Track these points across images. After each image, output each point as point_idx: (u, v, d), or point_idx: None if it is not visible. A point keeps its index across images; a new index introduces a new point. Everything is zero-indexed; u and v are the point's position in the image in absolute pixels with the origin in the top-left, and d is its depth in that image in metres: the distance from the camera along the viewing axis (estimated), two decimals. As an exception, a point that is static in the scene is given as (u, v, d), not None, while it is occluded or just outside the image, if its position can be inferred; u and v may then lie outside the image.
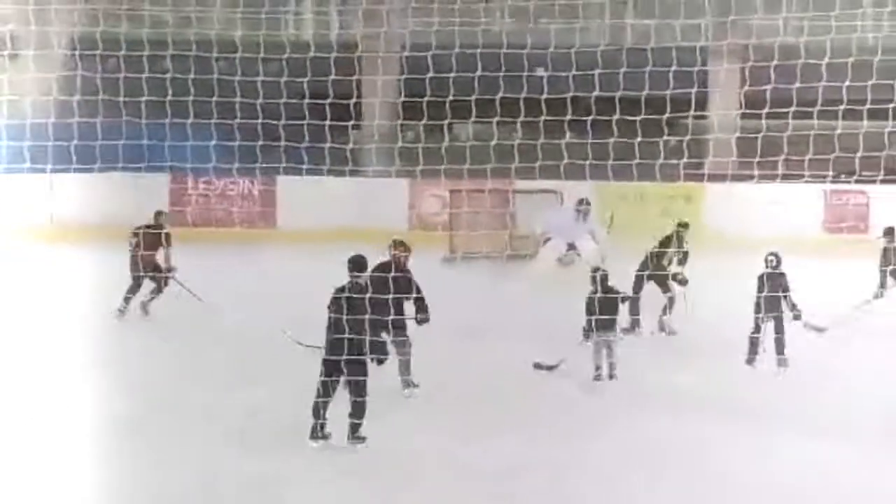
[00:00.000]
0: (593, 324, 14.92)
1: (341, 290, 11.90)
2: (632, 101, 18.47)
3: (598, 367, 15.07)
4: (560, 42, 20.66)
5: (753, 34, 19.31)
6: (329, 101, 19.17)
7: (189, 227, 25.16)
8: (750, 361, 15.77)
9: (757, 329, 15.68)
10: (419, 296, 13.79)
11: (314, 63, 19.80)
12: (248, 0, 23.23)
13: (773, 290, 15.50)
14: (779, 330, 15.63)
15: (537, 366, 15.37)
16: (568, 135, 19.52)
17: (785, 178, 20.01)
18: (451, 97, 18.46)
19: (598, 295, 15.09)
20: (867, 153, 18.57)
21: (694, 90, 19.09)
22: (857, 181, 21.64)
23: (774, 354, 15.69)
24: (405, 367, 14.00)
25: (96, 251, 22.55)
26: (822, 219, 27.85)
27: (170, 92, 19.14)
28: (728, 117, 24.76)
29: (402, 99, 22.89)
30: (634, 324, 17.51)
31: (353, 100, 20.46)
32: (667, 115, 18.65)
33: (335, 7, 29.34)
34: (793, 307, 14.75)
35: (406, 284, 13.51)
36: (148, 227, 19.18)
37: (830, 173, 21.08)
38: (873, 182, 19.90)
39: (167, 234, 19.19)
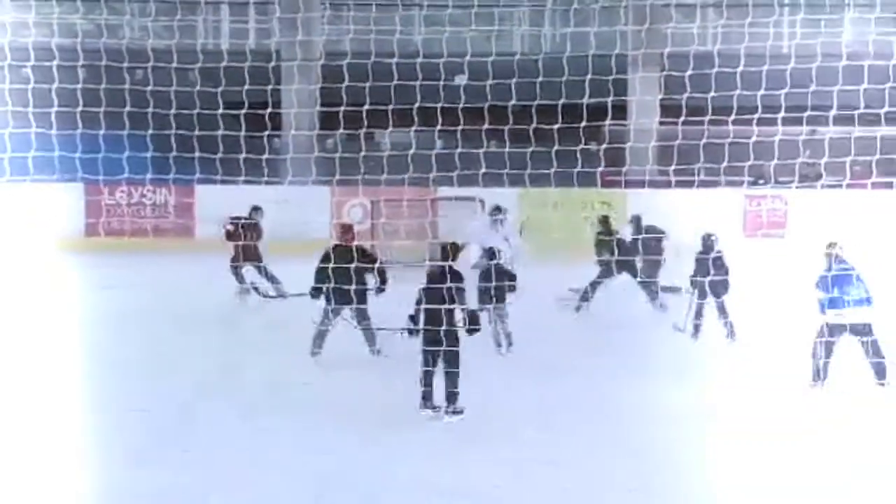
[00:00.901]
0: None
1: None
2: (549, 110, 18.44)
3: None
4: (477, 50, 20.58)
5: (669, 42, 19.34)
6: (245, 111, 18.97)
7: (103, 237, 24.89)
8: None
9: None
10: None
11: (230, 72, 19.56)
12: (162, 8, 22.91)
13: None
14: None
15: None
16: (487, 143, 19.48)
17: (702, 184, 20.08)
18: (367, 106, 18.35)
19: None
20: (783, 160, 18.70)
21: (611, 98, 19.09)
22: (773, 186, 21.80)
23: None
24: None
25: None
26: (741, 224, 27.99)
27: (81, 102, 18.84)
28: (646, 124, 24.82)
29: (319, 108, 22.74)
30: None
31: (270, 109, 20.25)
32: (583, 123, 18.63)
33: (251, 16, 29.06)
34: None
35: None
36: (246, 219, 20.58)
37: (747, 179, 21.21)
38: (789, 187, 20.02)
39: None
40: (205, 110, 19.17)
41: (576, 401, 14.45)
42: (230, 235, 21.13)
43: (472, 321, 13.63)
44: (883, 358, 14.74)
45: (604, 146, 20.01)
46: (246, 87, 19.05)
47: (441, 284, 13.55)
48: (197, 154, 18.81)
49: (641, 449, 12.64)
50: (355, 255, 16.44)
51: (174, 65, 19.45)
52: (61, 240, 25.72)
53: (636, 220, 20.61)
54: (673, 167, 18.32)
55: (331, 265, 16.10)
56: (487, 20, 22.15)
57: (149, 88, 19.12)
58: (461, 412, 13.55)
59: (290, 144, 22.28)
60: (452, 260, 14.03)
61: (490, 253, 17.44)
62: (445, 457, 12.48)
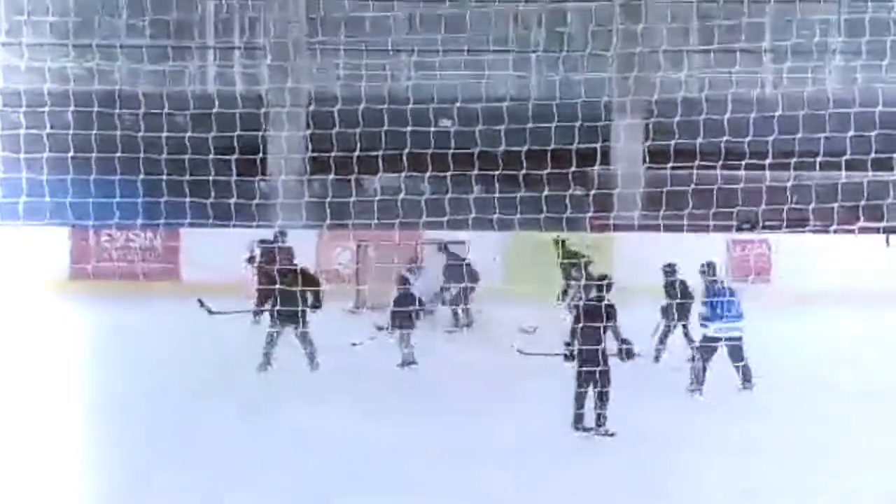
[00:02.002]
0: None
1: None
2: (537, 155, 18.61)
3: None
4: (466, 96, 20.79)
5: (657, 89, 19.56)
6: (235, 156, 19.08)
7: (91, 280, 24.85)
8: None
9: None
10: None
11: (219, 118, 19.66)
12: (152, 54, 23.04)
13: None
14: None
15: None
16: (476, 188, 19.62)
17: (690, 228, 20.21)
18: (358, 151, 18.47)
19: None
20: (770, 204, 18.91)
21: (599, 144, 19.30)
22: (761, 231, 21.99)
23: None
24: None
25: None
26: (726, 268, 28.09)
27: (72, 147, 18.90)
28: (633, 170, 24.99)
29: (309, 154, 22.86)
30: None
31: (260, 155, 20.38)
32: (573, 168, 18.79)
33: (239, 61, 29.19)
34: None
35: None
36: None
37: (735, 223, 21.39)
38: (776, 231, 20.19)
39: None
40: (195, 155, 19.24)
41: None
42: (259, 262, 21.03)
43: (628, 350, 14.43)
44: (749, 371, 16.71)
45: (592, 191, 20.22)
46: (236, 132, 19.20)
47: (595, 312, 14.39)
48: (188, 199, 18.87)
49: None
50: (299, 278, 17.51)
51: (165, 110, 19.54)
52: (46, 283, 25.66)
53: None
54: (662, 212, 18.43)
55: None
56: (477, 66, 22.30)
57: (140, 134, 19.15)
58: (614, 434, 14.31)
59: (279, 189, 22.33)
60: (607, 291, 14.79)
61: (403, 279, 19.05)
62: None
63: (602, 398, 14.38)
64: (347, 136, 18.80)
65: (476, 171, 18.87)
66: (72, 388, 16.92)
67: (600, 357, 14.29)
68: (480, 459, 13.52)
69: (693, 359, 16.97)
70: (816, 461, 13.64)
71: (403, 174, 19.21)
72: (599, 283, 15.11)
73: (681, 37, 24.54)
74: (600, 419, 14.42)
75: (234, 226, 19.82)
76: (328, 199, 19.61)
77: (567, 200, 18.74)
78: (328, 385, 17.03)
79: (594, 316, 14.38)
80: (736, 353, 16.64)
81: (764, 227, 21.59)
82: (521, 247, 25.68)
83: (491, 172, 19.28)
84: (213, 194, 18.90)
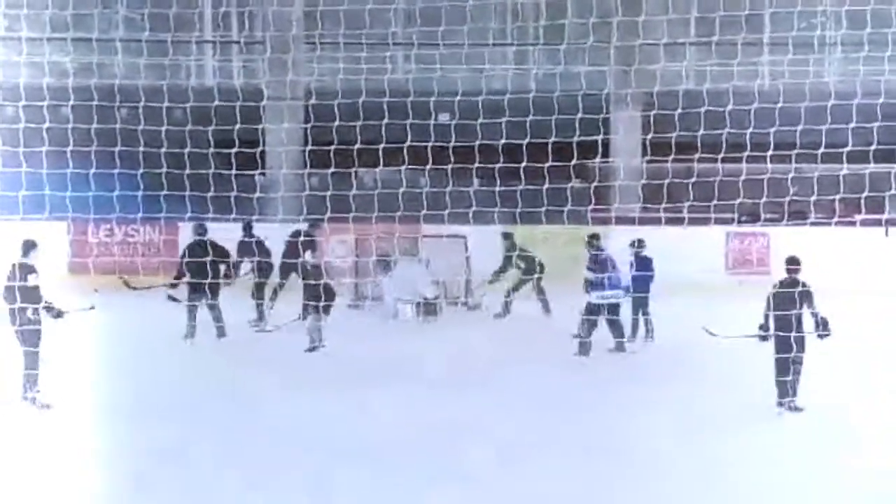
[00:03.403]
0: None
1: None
2: (537, 148, 18.57)
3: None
4: (466, 89, 20.75)
5: (657, 81, 19.56)
6: (234, 150, 19.08)
7: (90, 274, 24.77)
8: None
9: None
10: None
11: (219, 111, 19.64)
12: (151, 48, 22.99)
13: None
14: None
15: None
16: (476, 181, 19.60)
17: (692, 221, 20.26)
18: (357, 145, 18.46)
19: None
20: (771, 197, 18.90)
21: (599, 137, 19.31)
22: (762, 224, 21.98)
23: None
24: None
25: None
26: (724, 261, 28.09)
27: (71, 142, 18.89)
28: (633, 162, 24.97)
29: (308, 148, 22.83)
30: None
31: (259, 148, 20.37)
32: (573, 161, 18.80)
33: (238, 55, 29.15)
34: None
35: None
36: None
37: (735, 216, 21.42)
38: (777, 224, 20.19)
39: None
40: (194, 149, 19.23)
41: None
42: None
43: (824, 326, 14.91)
44: (623, 337, 18.37)
45: (593, 184, 20.22)
46: (235, 126, 19.20)
47: (791, 290, 14.83)
48: (187, 193, 18.85)
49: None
50: (210, 250, 18.64)
51: (164, 104, 19.51)
52: (45, 278, 25.57)
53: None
54: (663, 205, 18.43)
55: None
56: (476, 59, 22.28)
57: (139, 127, 19.13)
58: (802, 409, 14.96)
59: (279, 183, 22.32)
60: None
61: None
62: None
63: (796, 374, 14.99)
64: (346, 129, 18.79)
65: (476, 165, 18.83)
66: (72, 382, 16.81)
67: (797, 340, 14.82)
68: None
69: (579, 329, 18.20)
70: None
71: (403, 168, 19.18)
72: (792, 266, 15.30)
73: (680, 29, 24.52)
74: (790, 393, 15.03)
75: (234, 220, 19.84)
76: (327, 193, 19.58)
77: (567, 193, 18.75)
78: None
79: (790, 300, 14.83)
80: (615, 319, 18.33)
81: (765, 220, 21.55)
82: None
83: (491, 166, 19.23)
84: (212, 188, 18.89)
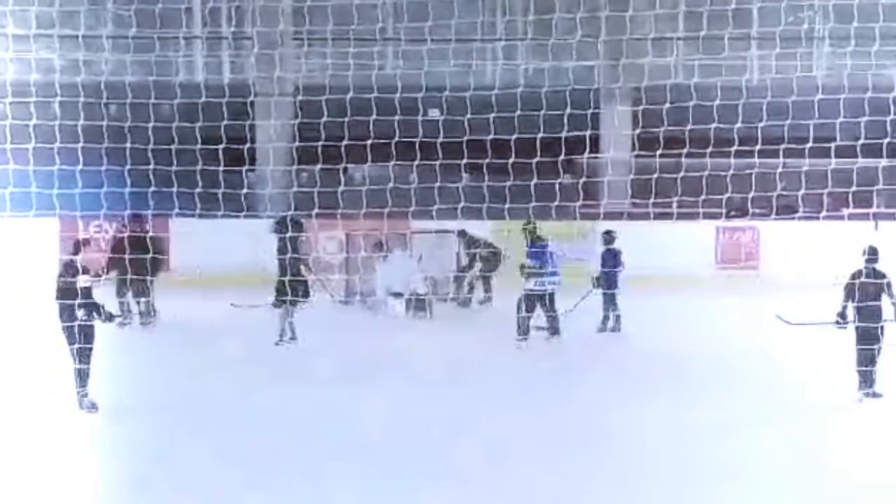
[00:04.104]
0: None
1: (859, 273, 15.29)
2: (526, 143, 18.56)
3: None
4: (455, 85, 20.72)
5: (645, 76, 19.55)
6: (223, 145, 19.02)
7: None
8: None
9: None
10: None
11: (206, 107, 19.58)
12: (138, 45, 22.89)
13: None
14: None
15: None
16: (464, 177, 19.58)
17: (681, 216, 20.27)
18: (345, 141, 18.42)
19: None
20: (759, 191, 18.93)
21: (588, 132, 19.28)
22: (751, 218, 22.01)
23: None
24: None
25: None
26: (714, 256, 28.12)
27: (58, 138, 18.82)
28: (622, 157, 24.96)
29: (297, 143, 22.82)
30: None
31: (247, 144, 20.32)
32: (562, 156, 18.77)
33: (226, 51, 29.09)
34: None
35: None
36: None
37: (724, 211, 21.42)
38: (765, 218, 20.20)
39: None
40: (182, 145, 19.18)
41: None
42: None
43: None
44: (557, 324, 19.23)
45: (581, 179, 20.19)
46: (223, 122, 19.13)
47: (872, 280, 15.18)
48: (175, 189, 18.80)
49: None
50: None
51: (151, 100, 19.48)
52: (35, 275, 25.49)
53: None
54: (652, 200, 18.43)
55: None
56: (464, 55, 22.24)
57: (127, 124, 19.09)
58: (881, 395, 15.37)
59: (268, 179, 22.28)
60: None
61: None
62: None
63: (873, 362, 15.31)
64: (335, 125, 18.75)
65: (465, 160, 18.80)
66: (68, 382, 16.74)
67: (879, 330, 15.12)
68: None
69: (518, 312, 19.05)
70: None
71: (392, 163, 19.16)
72: (871, 256, 15.50)
73: (668, 24, 24.51)
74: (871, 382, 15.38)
75: (223, 216, 19.77)
76: (316, 189, 19.53)
77: (556, 189, 18.73)
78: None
79: (870, 290, 15.18)
80: (550, 305, 19.21)
81: (753, 215, 21.58)
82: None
83: (479, 161, 19.22)
84: (200, 184, 18.83)
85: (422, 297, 22.44)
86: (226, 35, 28.85)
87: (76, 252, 14.97)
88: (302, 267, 19.96)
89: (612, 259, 20.24)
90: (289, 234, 20.50)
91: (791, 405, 15.20)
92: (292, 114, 25.02)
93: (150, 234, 20.67)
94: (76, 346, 14.45)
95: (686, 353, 18.27)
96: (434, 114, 20.30)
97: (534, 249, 19.40)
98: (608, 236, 20.58)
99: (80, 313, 14.41)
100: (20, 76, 20.87)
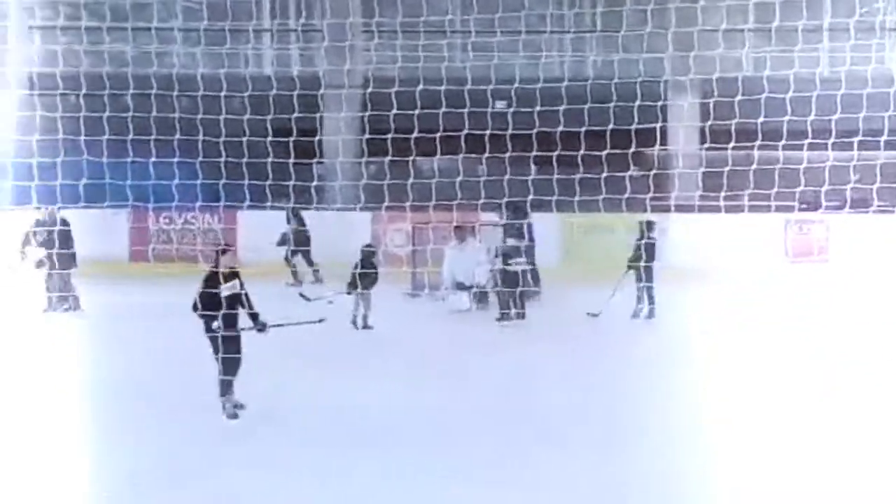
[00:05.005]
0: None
1: None
2: (596, 135, 18.50)
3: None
4: (524, 77, 20.66)
5: (717, 68, 19.36)
6: (292, 138, 19.13)
7: (150, 262, 25.04)
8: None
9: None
10: None
11: (276, 100, 19.70)
12: (209, 37, 23.07)
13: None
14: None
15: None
16: (533, 169, 19.52)
17: (752, 209, 20.11)
18: (414, 133, 18.44)
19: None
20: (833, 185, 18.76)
21: (658, 124, 19.19)
22: (823, 211, 21.83)
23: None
24: None
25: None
26: (784, 249, 27.93)
27: (131, 130, 19.02)
28: (692, 150, 24.82)
29: (366, 136, 22.92)
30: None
31: (317, 137, 20.42)
32: (631, 149, 18.68)
33: (296, 43, 29.22)
34: None
35: None
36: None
37: (796, 204, 21.20)
38: (839, 212, 20.02)
39: None
40: (252, 137, 19.30)
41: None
42: None
43: None
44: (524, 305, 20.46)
45: (651, 172, 20.11)
46: (293, 115, 19.24)
47: None
48: (246, 182, 18.94)
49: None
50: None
51: (223, 93, 19.57)
52: (105, 265, 25.83)
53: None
54: (723, 193, 18.30)
55: None
56: (534, 47, 22.18)
57: (199, 116, 19.20)
58: None
59: (336, 171, 22.36)
60: None
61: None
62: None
63: None
64: (404, 117, 18.78)
65: (534, 153, 18.76)
66: (135, 370, 16.92)
67: None
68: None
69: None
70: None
71: (460, 156, 19.16)
72: None
73: (739, 15, 24.30)
74: None
75: (294, 209, 19.91)
76: (385, 182, 19.61)
77: (626, 181, 18.66)
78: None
79: None
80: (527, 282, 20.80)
81: (826, 208, 21.39)
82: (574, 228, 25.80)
83: (549, 154, 19.15)
84: (270, 177, 18.94)
85: (485, 289, 22.43)
86: (295, 27, 28.98)
87: (217, 262, 14.15)
88: (372, 258, 20.32)
89: (649, 251, 20.72)
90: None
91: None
92: (361, 106, 25.08)
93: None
94: (222, 355, 13.68)
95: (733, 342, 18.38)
96: (501, 105, 20.29)
97: (513, 230, 20.70)
98: (647, 225, 20.91)
99: (215, 324, 13.60)
100: (94, 68, 21.07)
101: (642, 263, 20.76)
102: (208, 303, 13.69)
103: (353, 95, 25.11)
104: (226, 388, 13.84)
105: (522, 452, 12.64)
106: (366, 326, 19.89)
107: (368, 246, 21.42)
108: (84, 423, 14.25)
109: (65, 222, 21.73)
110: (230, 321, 13.79)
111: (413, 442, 13.17)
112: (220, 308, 13.66)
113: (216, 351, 13.71)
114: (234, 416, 13.82)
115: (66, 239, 21.39)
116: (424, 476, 11.87)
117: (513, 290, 20.18)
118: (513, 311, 20.69)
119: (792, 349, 17.99)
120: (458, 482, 11.69)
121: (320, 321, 15.11)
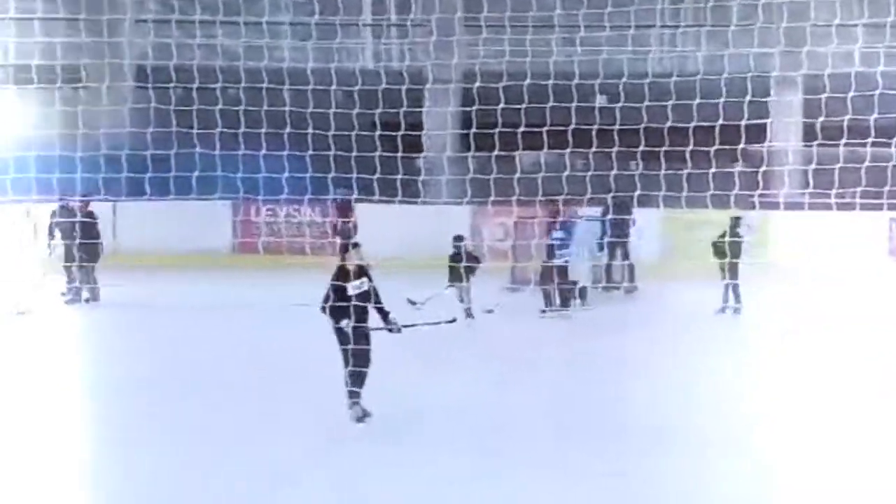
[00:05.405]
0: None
1: None
2: (704, 131, 18.42)
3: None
4: (632, 72, 20.64)
5: (829, 64, 19.22)
6: (400, 132, 19.29)
7: (257, 254, 25.35)
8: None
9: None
10: None
11: (383, 94, 19.85)
12: (321, 31, 23.28)
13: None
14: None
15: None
16: (641, 165, 19.52)
17: (862, 207, 19.87)
18: (522, 128, 18.48)
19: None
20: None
21: (767, 120, 19.07)
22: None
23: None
24: None
25: (170, 278, 22.70)
26: (887, 246, 27.57)
27: (242, 123, 19.27)
28: (800, 146, 24.63)
29: (471, 130, 22.95)
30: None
31: (423, 131, 20.55)
32: (740, 145, 18.58)
33: (402, 37, 29.35)
34: None
35: None
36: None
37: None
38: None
39: None
40: (361, 132, 19.48)
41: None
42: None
43: None
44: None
45: (760, 168, 19.97)
46: (400, 108, 19.38)
47: None
48: (354, 175, 19.12)
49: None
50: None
51: (333, 87, 19.81)
52: (209, 256, 26.21)
53: None
54: (835, 190, 18.13)
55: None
56: (642, 41, 22.14)
57: (308, 110, 19.44)
58: None
59: (442, 165, 22.48)
60: None
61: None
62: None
63: None
64: (510, 112, 18.83)
65: (641, 147, 18.74)
66: (241, 360, 17.11)
67: None
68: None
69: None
70: None
71: (567, 150, 19.18)
72: None
73: (850, 10, 24.03)
74: None
75: (400, 202, 20.06)
76: (489, 176, 19.68)
77: (735, 177, 18.58)
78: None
79: None
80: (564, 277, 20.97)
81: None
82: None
83: (656, 149, 19.12)
84: (378, 170, 19.10)
85: (583, 285, 22.36)
86: (402, 22, 29.13)
87: (344, 258, 13.88)
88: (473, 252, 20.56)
89: (734, 246, 20.58)
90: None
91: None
92: (467, 100, 25.16)
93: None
94: (350, 347, 13.26)
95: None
96: (602, 101, 20.32)
97: (562, 226, 21.19)
98: (734, 221, 20.80)
99: (344, 323, 13.20)
100: (206, 62, 21.38)
101: (727, 260, 20.53)
102: (337, 300, 13.28)
103: (458, 90, 25.19)
104: (355, 389, 13.35)
105: (629, 449, 12.72)
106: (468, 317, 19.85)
107: (458, 238, 21.39)
108: (205, 421, 14.02)
109: (91, 215, 21.92)
110: (360, 320, 13.34)
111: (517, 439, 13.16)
112: (349, 306, 13.24)
113: (345, 351, 13.28)
114: (361, 420, 13.40)
115: (93, 231, 21.56)
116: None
117: (559, 284, 20.66)
118: (557, 304, 21.02)
119: (883, 349, 17.80)
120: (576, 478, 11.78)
121: (453, 321, 14.78)
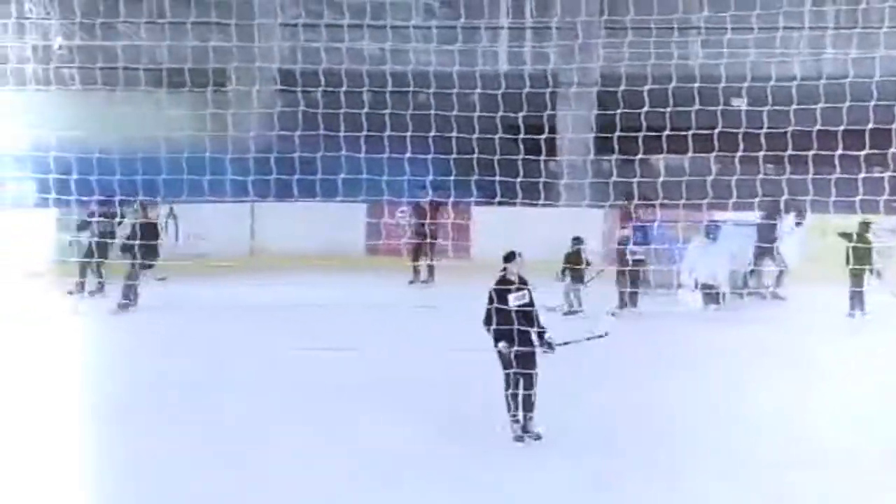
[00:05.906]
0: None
1: None
2: (829, 135, 18.09)
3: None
4: (756, 74, 20.36)
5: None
6: (523, 135, 19.36)
7: (384, 255, 25.62)
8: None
9: None
10: None
11: (509, 97, 19.94)
12: (443, 35, 23.49)
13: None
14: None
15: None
16: (763, 169, 19.26)
17: None
18: (644, 131, 18.40)
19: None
20: None
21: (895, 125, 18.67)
22: None
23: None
24: None
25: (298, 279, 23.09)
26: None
27: (365, 126, 19.52)
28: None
29: (595, 134, 23.00)
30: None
31: (548, 134, 20.58)
32: (865, 150, 18.21)
33: (529, 40, 29.39)
34: None
35: None
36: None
37: None
38: None
39: None
40: (483, 134, 19.58)
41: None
42: None
43: None
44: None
45: (889, 173, 19.52)
46: (525, 112, 19.44)
47: None
48: (475, 177, 19.25)
49: None
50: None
51: (455, 90, 19.95)
52: (342, 258, 26.52)
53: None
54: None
55: None
56: (768, 44, 21.79)
57: (431, 112, 19.61)
58: None
59: (568, 169, 22.48)
60: None
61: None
62: None
63: None
64: (634, 115, 18.76)
65: (764, 152, 18.48)
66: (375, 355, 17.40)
67: None
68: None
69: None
70: None
71: (689, 154, 19.03)
72: None
73: None
74: None
75: (522, 204, 20.12)
76: (634, 179, 19.63)
77: (859, 182, 18.21)
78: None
79: None
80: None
81: None
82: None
83: (780, 153, 18.82)
84: (499, 173, 19.17)
85: (718, 289, 22.14)
86: (529, 25, 29.15)
87: (505, 269, 13.20)
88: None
89: (859, 252, 20.49)
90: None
91: None
92: (593, 104, 25.17)
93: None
94: (511, 371, 12.72)
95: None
96: (738, 103, 20.06)
97: (638, 227, 21.68)
98: (862, 227, 20.67)
99: (501, 345, 12.66)
100: (331, 65, 21.70)
101: (850, 266, 20.36)
102: (495, 316, 12.71)
103: (584, 93, 25.16)
104: (519, 408, 12.78)
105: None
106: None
107: (577, 239, 21.51)
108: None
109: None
110: (523, 338, 12.71)
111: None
112: (509, 322, 12.64)
113: (506, 369, 12.69)
114: (520, 440, 12.80)
115: (153, 235, 21.45)
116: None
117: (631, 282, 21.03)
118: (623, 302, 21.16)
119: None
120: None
121: (605, 335, 14.09)
